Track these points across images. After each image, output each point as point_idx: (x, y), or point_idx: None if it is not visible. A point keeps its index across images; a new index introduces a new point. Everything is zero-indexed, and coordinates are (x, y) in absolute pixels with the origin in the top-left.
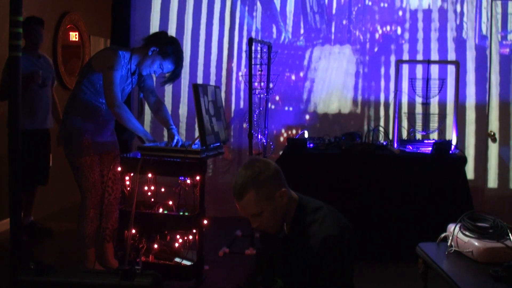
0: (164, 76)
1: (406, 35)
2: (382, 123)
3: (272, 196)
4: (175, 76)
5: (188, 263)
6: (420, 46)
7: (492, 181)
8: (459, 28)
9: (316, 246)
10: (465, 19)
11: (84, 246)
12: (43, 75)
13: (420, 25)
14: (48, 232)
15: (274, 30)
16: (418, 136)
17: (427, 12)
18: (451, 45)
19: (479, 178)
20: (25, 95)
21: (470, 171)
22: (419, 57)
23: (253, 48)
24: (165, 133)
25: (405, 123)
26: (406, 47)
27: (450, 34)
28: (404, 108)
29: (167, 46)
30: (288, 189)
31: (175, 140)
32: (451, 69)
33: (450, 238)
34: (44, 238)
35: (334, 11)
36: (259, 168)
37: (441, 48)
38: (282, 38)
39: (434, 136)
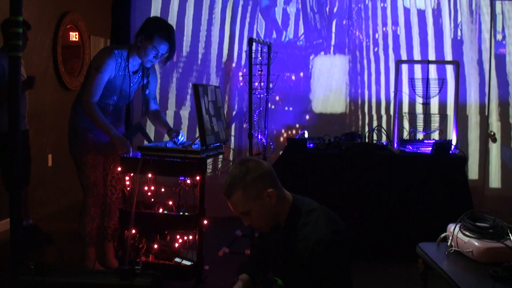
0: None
1: (406, 35)
2: (382, 123)
3: (260, 196)
4: (172, 52)
5: (188, 263)
6: (419, 46)
7: (492, 181)
8: (458, 28)
9: (307, 250)
10: (464, 19)
11: (84, 245)
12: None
13: (419, 25)
14: (47, 237)
15: (274, 30)
16: (419, 136)
17: (427, 12)
18: (450, 45)
19: (479, 178)
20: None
21: (470, 171)
22: (418, 57)
23: (253, 48)
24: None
25: (405, 123)
26: (405, 47)
27: (449, 34)
28: (404, 108)
29: (150, 27)
30: (278, 190)
31: (180, 134)
32: (450, 69)
33: (450, 238)
34: (44, 242)
35: (334, 11)
36: (247, 168)
37: (440, 48)
38: (282, 38)
39: (435, 136)
